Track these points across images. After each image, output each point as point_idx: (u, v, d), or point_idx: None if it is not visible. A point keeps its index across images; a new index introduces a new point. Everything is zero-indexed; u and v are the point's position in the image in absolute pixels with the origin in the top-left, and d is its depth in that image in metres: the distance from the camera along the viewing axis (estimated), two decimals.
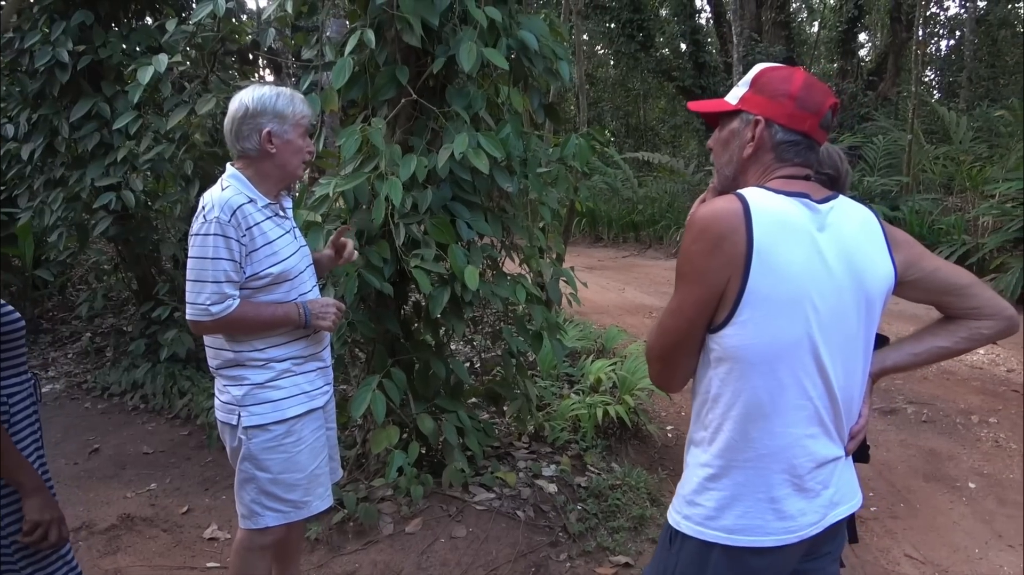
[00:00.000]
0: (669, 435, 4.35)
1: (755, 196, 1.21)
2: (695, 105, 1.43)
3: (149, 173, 4.42)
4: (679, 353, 1.29)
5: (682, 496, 1.35)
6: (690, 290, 1.23)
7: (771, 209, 1.20)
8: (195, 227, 1.95)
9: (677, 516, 1.34)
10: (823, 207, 1.25)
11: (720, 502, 1.27)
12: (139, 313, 5.04)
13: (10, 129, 4.49)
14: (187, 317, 1.99)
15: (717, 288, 1.20)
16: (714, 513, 1.28)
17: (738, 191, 1.23)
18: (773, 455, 1.25)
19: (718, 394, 1.26)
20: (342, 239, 2.35)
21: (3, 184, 4.88)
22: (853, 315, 1.26)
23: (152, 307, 4.77)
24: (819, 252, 1.22)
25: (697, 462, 1.32)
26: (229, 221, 1.92)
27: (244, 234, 1.95)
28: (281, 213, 2.10)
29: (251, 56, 5.32)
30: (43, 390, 5.09)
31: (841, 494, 1.34)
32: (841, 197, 1.32)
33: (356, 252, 2.42)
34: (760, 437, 1.24)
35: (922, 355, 1.41)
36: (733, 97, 1.35)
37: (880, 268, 1.29)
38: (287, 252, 2.05)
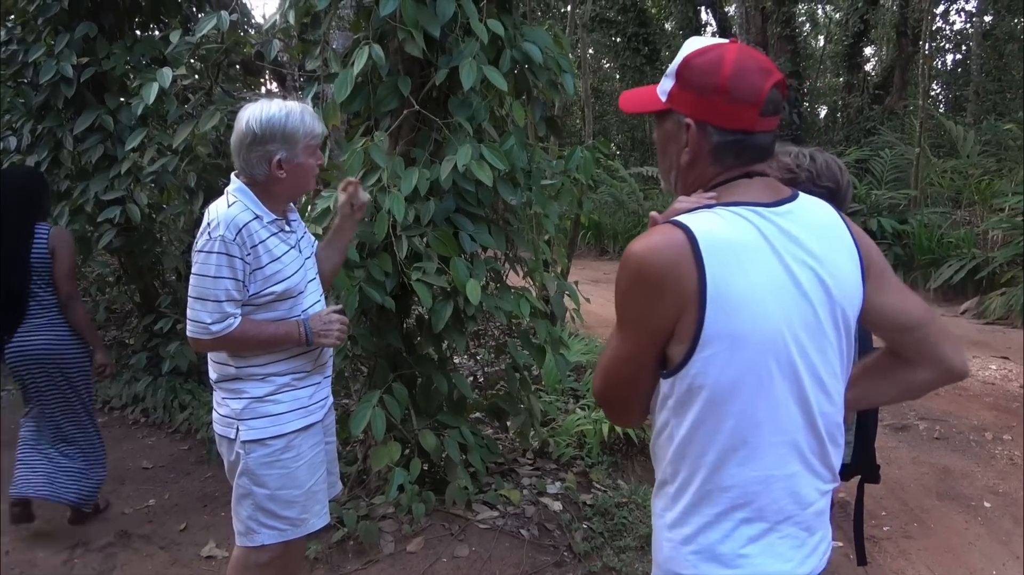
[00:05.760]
0: None
1: (697, 221, 1.06)
2: (624, 99, 1.25)
3: (153, 185, 4.40)
4: (635, 396, 1.16)
5: (658, 565, 1.18)
6: (636, 337, 1.10)
7: (719, 232, 1.05)
8: (199, 243, 1.91)
9: None
10: (776, 212, 1.10)
11: (696, 565, 1.11)
12: (141, 326, 5.01)
13: (13, 141, 4.48)
14: (187, 334, 1.96)
15: (664, 330, 1.07)
16: None
17: (676, 220, 1.07)
18: (750, 505, 1.09)
19: (685, 443, 1.10)
20: (351, 192, 2.21)
21: None
22: (830, 331, 1.10)
23: (154, 319, 4.74)
24: (783, 266, 1.07)
25: (664, 523, 1.16)
26: (234, 239, 1.88)
27: (249, 252, 1.91)
28: (287, 228, 2.05)
29: (256, 67, 5.32)
30: None
31: (825, 539, 1.19)
32: (801, 196, 1.16)
33: (366, 195, 2.27)
34: (736, 485, 1.08)
35: (860, 403, 1.28)
36: (662, 91, 1.16)
37: (849, 274, 1.13)
38: (291, 269, 2.01)
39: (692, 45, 1.14)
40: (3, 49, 4.29)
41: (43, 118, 4.33)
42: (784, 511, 1.10)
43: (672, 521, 1.14)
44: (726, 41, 1.13)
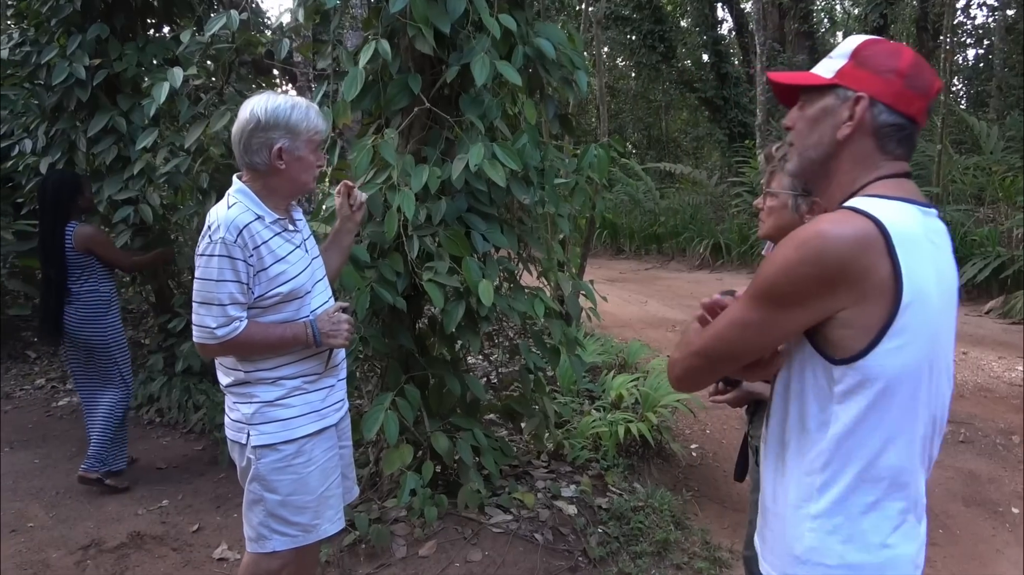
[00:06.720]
0: (694, 454, 4.21)
1: (884, 213, 1.08)
2: (777, 75, 1.26)
3: (166, 186, 4.40)
4: (734, 364, 1.19)
5: (794, 556, 1.19)
6: (779, 311, 1.11)
7: (904, 225, 1.08)
8: (201, 247, 1.89)
9: None
10: (930, 214, 1.15)
11: (843, 554, 1.14)
12: (156, 325, 5.02)
13: (28, 144, 4.49)
14: (194, 340, 1.94)
15: (820, 315, 1.09)
16: (842, 571, 1.14)
17: (861, 209, 1.08)
18: (897, 493, 1.13)
19: (847, 432, 1.11)
20: (347, 192, 2.24)
21: (23, 198, 4.89)
22: (954, 332, 1.19)
23: (168, 319, 4.74)
24: (940, 267, 1.13)
25: (806, 514, 1.16)
26: (235, 241, 1.85)
27: (251, 254, 1.88)
28: (291, 227, 2.02)
29: (267, 66, 5.31)
30: (60, 403, 5.09)
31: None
32: None
33: (362, 195, 2.30)
34: (889, 475, 1.12)
35: None
36: (826, 70, 1.20)
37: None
38: (297, 269, 1.98)
39: (861, 38, 1.20)
40: (17, 51, 4.31)
41: (57, 120, 4.34)
42: (917, 498, 1.17)
43: (819, 512, 1.15)
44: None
